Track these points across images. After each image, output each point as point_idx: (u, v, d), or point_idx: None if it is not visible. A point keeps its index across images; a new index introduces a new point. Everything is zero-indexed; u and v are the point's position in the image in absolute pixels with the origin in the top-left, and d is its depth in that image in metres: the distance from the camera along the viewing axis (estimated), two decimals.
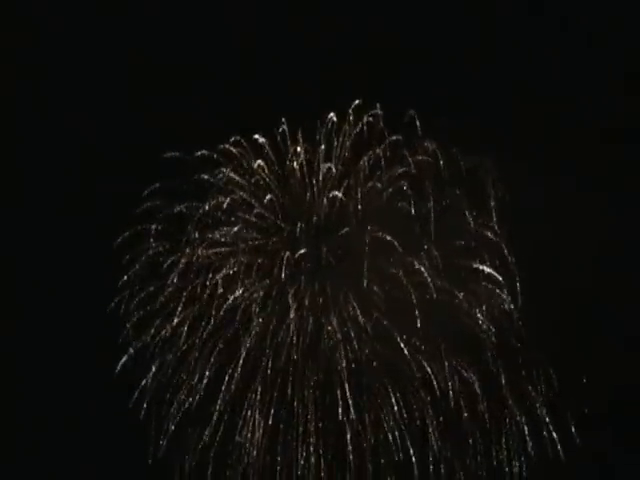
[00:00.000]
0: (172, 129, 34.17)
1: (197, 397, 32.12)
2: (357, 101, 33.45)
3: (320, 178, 33.72)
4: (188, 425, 32.09)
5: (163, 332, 32.57)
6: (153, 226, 33.50)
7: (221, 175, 33.73)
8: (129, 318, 32.85)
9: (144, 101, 34.74)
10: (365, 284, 31.79)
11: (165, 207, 33.65)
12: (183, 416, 32.11)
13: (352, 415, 31.27)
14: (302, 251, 32.83)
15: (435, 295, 31.42)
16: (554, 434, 30.93)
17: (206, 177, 33.94)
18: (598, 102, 35.89)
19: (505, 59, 35.74)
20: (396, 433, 31.26)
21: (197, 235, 33.48)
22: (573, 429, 30.83)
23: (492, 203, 32.36)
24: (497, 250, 32.35)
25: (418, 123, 33.11)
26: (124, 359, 32.51)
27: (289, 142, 33.78)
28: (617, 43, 36.40)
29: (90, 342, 33.30)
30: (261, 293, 32.67)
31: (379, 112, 33.54)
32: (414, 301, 31.30)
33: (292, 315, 32.04)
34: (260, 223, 33.75)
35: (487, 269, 32.11)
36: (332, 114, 33.74)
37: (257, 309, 32.55)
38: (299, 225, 33.19)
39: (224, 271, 32.89)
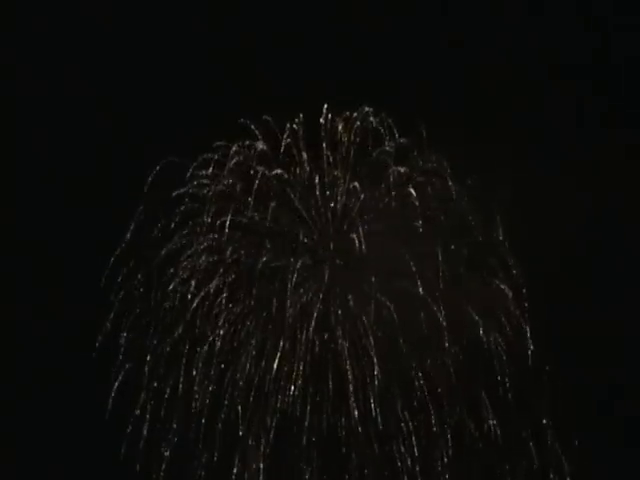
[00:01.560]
0: (172, 133, 33.14)
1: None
2: (366, 108, 32.78)
3: (324, 184, 33.12)
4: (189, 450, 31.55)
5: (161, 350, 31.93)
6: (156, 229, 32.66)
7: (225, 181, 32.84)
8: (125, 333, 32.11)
9: (142, 104, 33.69)
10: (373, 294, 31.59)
11: (164, 213, 32.70)
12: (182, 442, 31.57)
13: (358, 428, 31.13)
14: (306, 261, 32.31)
15: (442, 306, 31.22)
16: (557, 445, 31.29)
17: (206, 182, 33.04)
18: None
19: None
20: (401, 446, 31.26)
21: (197, 243, 32.62)
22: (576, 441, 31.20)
23: (498, 218, 32.03)
24: (503, 260, 32.27)
25: (424, 131, 32.83)
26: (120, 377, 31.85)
27: (293, 148, 33.03)
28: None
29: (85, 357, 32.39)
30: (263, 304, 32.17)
31: (384, 117, 32.99)
32: (422, 315, 31.17)
33: (297, 328, 31.59)
34: (262, 230, 32.98)
35: (495, 280, 32.02)
36: (338, 119, 33.03)
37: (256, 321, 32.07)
38: (302, 233, 32.63)
39: (223, 282, 32.17)
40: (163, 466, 31.75)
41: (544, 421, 31.33)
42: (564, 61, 36.65)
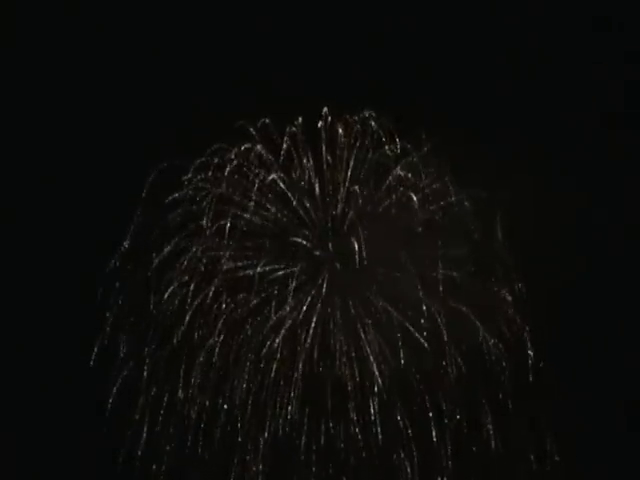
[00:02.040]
0: (171, 136, 32.98)
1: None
2: (367, 112, 32.63)
3: (324, 187, 32.98)
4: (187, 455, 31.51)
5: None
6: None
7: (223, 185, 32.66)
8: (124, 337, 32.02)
9: (140, 106, 33.52)
10: (373, 300, 31.60)
11: (163, 216, 32.54)
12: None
13: (358, 435, 31.08)
14: (305, 264, 32.24)
15: (442, 311, 31.17)
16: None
17: (205, 185, 32.84)
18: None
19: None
20: (401, 452, 31.22)
21: (196, 246, 32.47)
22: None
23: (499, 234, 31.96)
24: (504, 265, 32.17)
25: (424, 134, 32.75)
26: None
27: (293, 151, 32.87)
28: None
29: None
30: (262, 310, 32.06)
31: (385, 121, 32.84)
32: (421, 320, 31.14)
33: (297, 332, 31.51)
34: (261, 233, 32.84)
35: (495, 285, 31.96)
36: (338, 122, 32.86)
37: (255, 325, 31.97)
38: (302, 237, 32.54)
39: (222, 286, 32.03)
40: (163, 467, 31.70)
41: (544, 423, 31.34)
42: (566, 62, 36.44)
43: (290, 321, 31.50)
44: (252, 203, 32.52)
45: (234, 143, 32.80)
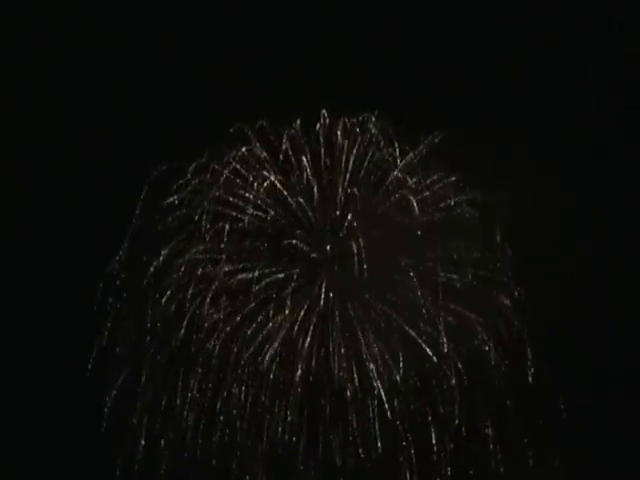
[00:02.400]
0: (168, 138, 32.88)
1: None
2: (366, 115, 32.52)
3: (323, 189, 32.85)
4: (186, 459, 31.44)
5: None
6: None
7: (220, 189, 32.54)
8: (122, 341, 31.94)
9: (138, 108, 33.44)
10: (372, 303, 31.53)
11: (160, 220, 32.43)
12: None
13: (357, 439, 31.04)
14: (304, 268, 32.14)
15: (442, 318, 31.11)
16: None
17: (203, 188, 32.73)
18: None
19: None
20: (400, 456, 31.18)
21: (194, 250, 32.36)
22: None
23: (498, 238, 31.85)
24: (503, 269, 32.08)
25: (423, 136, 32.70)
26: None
27: (291, 153, 32.74)
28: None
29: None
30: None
31: (384, 123, 32.73)
32: (421, 325, 31.09)
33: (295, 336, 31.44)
34: (259, 236, 32.72)
35: (494, 290, 31.87)
36: (336, 125, 32.73)
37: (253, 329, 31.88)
38: (300, 240, 32.41)
39: (220, 289, 31.95)
40: (161, 471, 31.66)
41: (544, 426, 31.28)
42: (566, 62, 36.27)
43: (288, 324, 31.37)
44: (250, 206, 32.34)
45: (232, 145, 32.71)
